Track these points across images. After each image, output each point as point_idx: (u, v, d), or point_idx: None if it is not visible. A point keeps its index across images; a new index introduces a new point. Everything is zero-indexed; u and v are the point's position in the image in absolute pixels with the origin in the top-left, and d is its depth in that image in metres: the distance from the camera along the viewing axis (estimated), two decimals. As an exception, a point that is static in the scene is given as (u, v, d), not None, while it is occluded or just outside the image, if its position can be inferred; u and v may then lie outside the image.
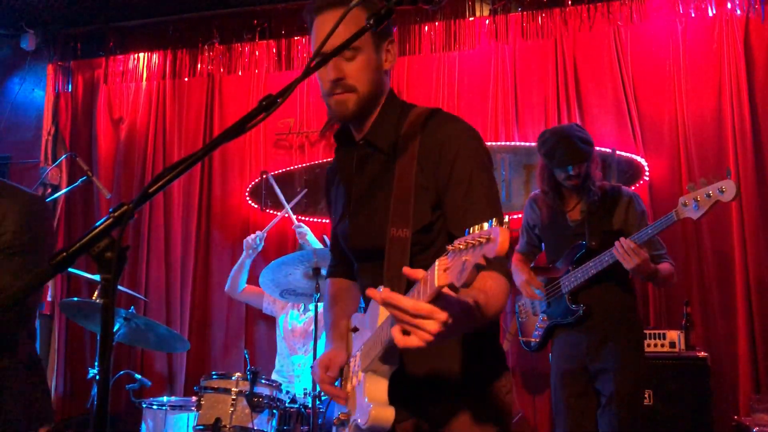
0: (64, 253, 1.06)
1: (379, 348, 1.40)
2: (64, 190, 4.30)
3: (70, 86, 5.00)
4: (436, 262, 1.14)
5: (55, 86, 5.00)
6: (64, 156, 4.64)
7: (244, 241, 4.11)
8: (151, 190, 1.13)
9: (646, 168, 4.02)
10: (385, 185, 1.56)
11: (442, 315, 1.17)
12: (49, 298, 4.71)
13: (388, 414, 1.44)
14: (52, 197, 4.33)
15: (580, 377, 2.92)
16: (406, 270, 1.22)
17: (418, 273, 1.20)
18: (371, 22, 1.28)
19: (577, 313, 2.90)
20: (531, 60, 4.33)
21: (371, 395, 1.46)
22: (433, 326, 1.17)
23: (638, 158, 4.02)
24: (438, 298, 1.17)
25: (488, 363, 1.59)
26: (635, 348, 2.90)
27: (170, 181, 1.13)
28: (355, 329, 1.67)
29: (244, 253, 4.10)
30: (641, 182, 4.01)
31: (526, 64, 4.33)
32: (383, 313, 1.41)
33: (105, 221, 1.07)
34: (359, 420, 1.47)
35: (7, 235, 1.90)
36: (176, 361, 4.55)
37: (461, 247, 1.08)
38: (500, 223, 1.02)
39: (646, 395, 3.26)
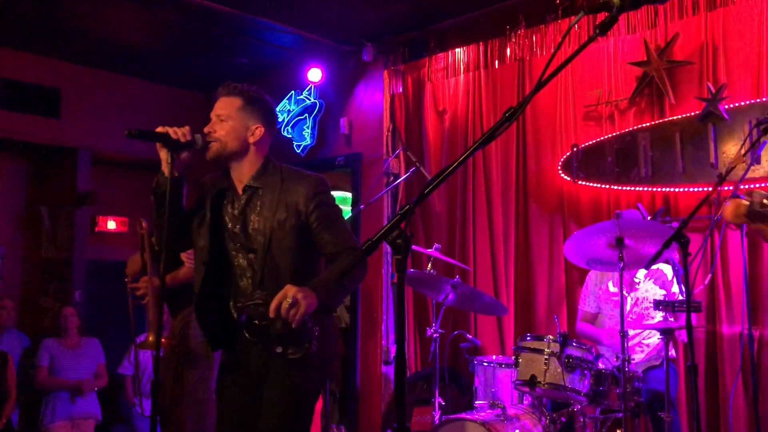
0: (370, 242, 1.51)
1: None
2: (401, 179, 5.10)
3: (401, 87, 5.79)
4: None
5: (390, 89, 5.83)
6: (399, 150, 5.45)
7: None
8: (426, 191, 1.52)
9: None
10: None
11: None
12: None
13: None
14: (393, 184, 5.14)
15: None
16: None
17: None
18: (597, 31, 1.47)
19: None
20: None
21: None
22: None
23: None
24: None
25: None
26: None
27: (439, 184, 1.50)
28: None
29: None
30: None
31: None
32: None
33: (395, 218, 1.49)
34: None
35: (314, 213, 2.44)
36: (504, 325, 5.02)
37: None
38: None
39: None
